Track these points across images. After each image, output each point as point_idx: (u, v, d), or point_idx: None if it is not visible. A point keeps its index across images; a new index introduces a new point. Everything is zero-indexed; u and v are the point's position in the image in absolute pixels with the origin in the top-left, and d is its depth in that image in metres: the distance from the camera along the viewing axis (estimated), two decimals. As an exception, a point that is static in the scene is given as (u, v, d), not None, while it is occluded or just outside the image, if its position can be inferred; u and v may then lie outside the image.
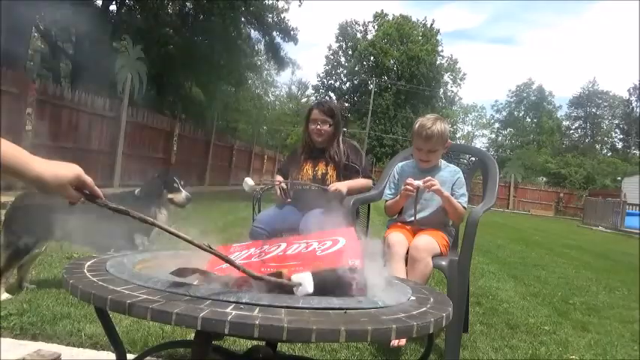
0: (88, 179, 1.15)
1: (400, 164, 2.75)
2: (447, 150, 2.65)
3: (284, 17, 20.34)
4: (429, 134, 2.47)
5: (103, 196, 1.18)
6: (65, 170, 1.12)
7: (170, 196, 2.95)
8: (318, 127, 2.93)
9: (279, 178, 3.08)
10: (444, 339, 2.35)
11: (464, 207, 2.50)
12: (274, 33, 20.08)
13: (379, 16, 44.82)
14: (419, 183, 2.38)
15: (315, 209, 2.79)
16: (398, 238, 2.39)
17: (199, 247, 1.17)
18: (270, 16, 19.49)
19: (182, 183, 3.00)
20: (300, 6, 20.37)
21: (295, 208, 2.93)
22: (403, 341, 2.16)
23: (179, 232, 1.17)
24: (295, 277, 1.22)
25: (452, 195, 2.51)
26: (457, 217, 2.54)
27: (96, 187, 1.17)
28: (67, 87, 10.98)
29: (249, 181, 3.04)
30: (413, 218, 2.48)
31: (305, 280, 1.20)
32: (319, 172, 2.96)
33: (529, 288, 4.61)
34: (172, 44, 17.38)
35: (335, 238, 1.35)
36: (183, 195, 2.96)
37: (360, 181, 2.92)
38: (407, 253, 2.34)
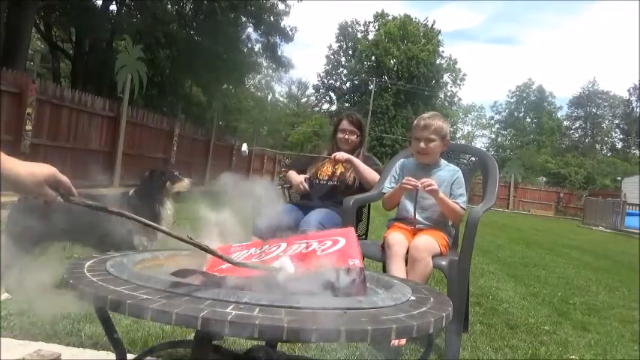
0: (64, 178, 1.16)
1: (402, 160, 2.75)
2: (445, 147, 2.63)
3: (282, 18, 20.38)
4: (428, 123, 2.54)
5: (77, 194, 1.18)
6: (41, 169, 1.12)
7: (175, 187, 2.96)
8: (346, 136, 3.04)
9: (292, 172, 3.12)
10: (444, 339, 2.35)
11: (462, 207, 2.50)
12: (273, 32, 20.08)
13: (379, 16, 44.84)
14: (417, 184, 2.38)
15: (317, 208, 2.82)
16: (398, 238, 2.39)
17: (180, 239, 1.17)
18: (269, 15, 19.49)
19: (178, 173, 3.03)
20: (290, 11, 20.46)
21: (298, 207, 2.97)
22: (403, 341, 2.16)
23: (160, 226, 1.18)
24: (275, 264, 1.23)
25: (450, 194, 2.51)
26: (455, 218, 2.54)
27: (72, 186, 1.17)
28: (67, 87, 10.96)
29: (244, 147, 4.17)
30: (413, 216, 2.48)
31: (284, 264, 1.23)
32: (338, 171, 3.02)
33: (529, 288, 4.60)
34: (172, 44, 17.37)
35: (335, 238, 1.36)
36: (186, 182, 2.99)
37: (370, 170, 2.94)
38: (407, 253, 2.34)
